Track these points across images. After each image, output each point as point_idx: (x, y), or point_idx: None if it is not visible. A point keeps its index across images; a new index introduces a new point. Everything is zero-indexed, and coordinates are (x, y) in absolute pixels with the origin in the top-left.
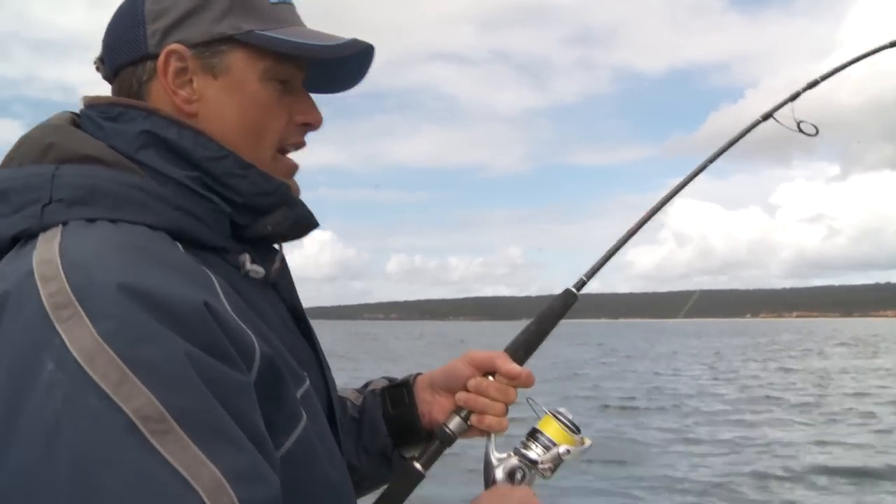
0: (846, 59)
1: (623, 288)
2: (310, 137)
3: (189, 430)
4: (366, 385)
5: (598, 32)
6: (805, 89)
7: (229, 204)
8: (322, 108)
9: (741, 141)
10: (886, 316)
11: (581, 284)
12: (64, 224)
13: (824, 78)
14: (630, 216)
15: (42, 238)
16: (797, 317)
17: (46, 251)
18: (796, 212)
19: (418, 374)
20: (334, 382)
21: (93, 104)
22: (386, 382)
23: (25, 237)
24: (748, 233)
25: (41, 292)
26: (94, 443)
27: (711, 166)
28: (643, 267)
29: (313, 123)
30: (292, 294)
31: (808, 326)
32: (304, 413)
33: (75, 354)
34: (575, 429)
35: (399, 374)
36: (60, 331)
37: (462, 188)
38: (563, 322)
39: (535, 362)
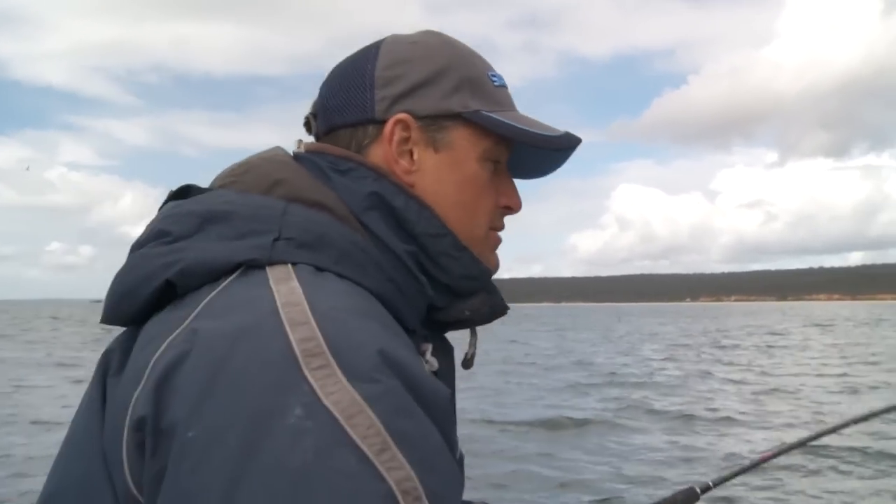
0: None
1: (567, 272)
2: (251, 118)
3: None
4: None
5: (545, 16)
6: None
7: (433, 283)
8: (265, 90)
9: (681, 126)
10: (819, 299)
11: (706, 488)
12: (293, 265)
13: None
14: (573, 201)
15: (273, 276)
16: (735, 300)
17: (288, 292)
18: (736, 197)
19: None
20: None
21: (321, 152)
22: None
23: (248, 266)
24: (689, 218)
25: (290, 336)
26: (347, 498)
27: (655, 152)
28: (586, 251)
29: (514, 207)
30: (452, 384)
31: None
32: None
33: (330, 407)
34: None
35: None
36: (311, 379)
37: None
38: (514, 305)
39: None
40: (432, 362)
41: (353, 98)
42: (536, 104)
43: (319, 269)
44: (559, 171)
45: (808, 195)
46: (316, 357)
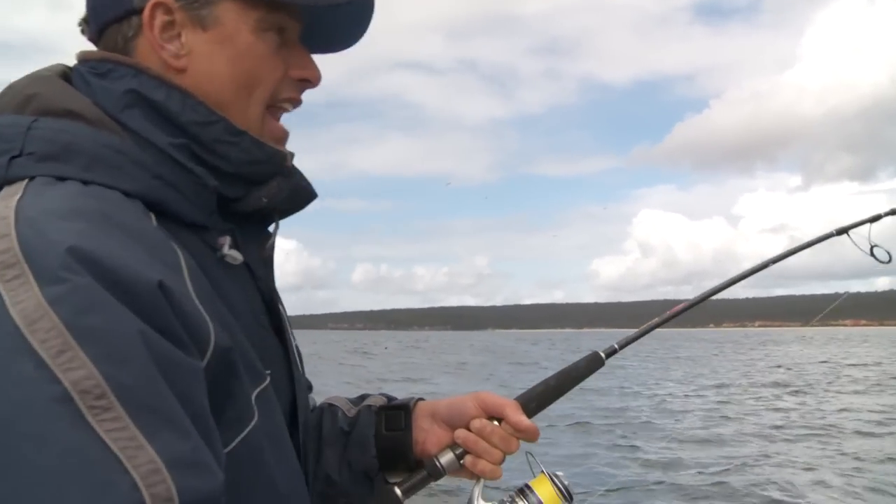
0: None
1: (589, 298)
2: None
3: (130, 410)
4: (361, 397)
5: (565, 43)
6: (887, 214)
7: (217, 174)
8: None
9: (703, 151)
10: (845, 325)
11: (612, 351)
12: (31, 179)
13: None
14: (595, 227)
15: (4, 192)
16: (759, 326)
17: (3, 207)
18: (759, 222)
19: (420, 398)
20: (304, 382)
21: (85, 59)
22: (384, 400)
23: None
24: (712, 243)
25: None
26: (22, 412)
27: (676, 177)
28: (608, 277)
29: (311, 79)
30: (270, 285)
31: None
32: (256, 412)
33: (14, 316)
34: (568, 496)
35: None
36: (2, 291)
37: (427, 197)
38: (529, 332)
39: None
40: (233, 254)
41: None
42: (558, 131)
43: (61, 178)
44: (579, 198)
45: (833, 219)
46: (11, 268)
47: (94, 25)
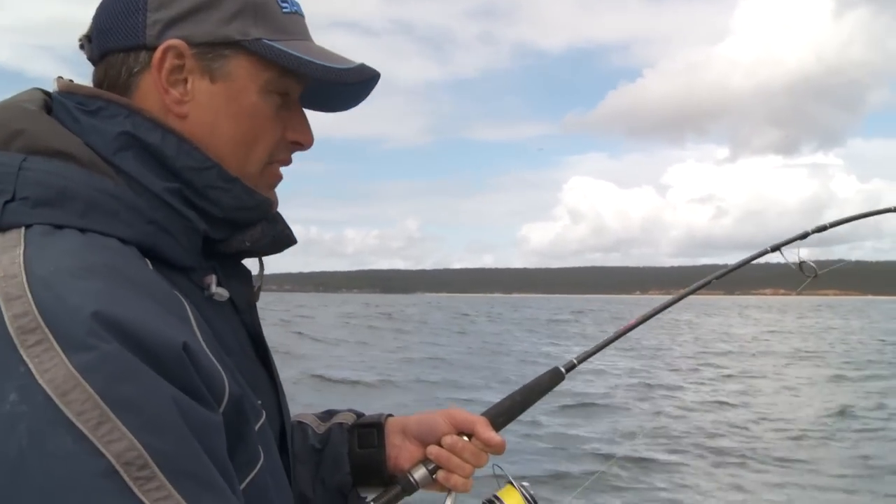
0: (854, 214)
1: (518, 263)
2: None
3: (172, 478)
4: (328, 413)
5: (502, 7)
6: (814, 231)
7: (206, 217)
8: None
9: (635, 120)
10: (765, 294)
11: (571, 366)
12: (27, 227)
13: (833, 225)
14: (526, 193)
15: (1, 242)
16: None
17: (9, 263)
18: (687, 192)
19: (389, 415)
20: (288, 409)
21: (70, 91)
22: (354, 417)
23: None
24: (640, 211)
25: (4, 313)
26: (68, 488)
27: (608, 145)
28: (538, 243)
29: (304, 143)
30: (254, 319)
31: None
32: (261, 452)
33: (45, 386)
34: None
35: None
36: (26, 358)
37: (360, 160)
38: (462, 296)
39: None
40: (220, 292)
41: (124, 20)
42: (492, 96)
43: (59, 226)
44: (512, 164)
45: (757, 191)
46: (32, 333)
47: (97, 47)
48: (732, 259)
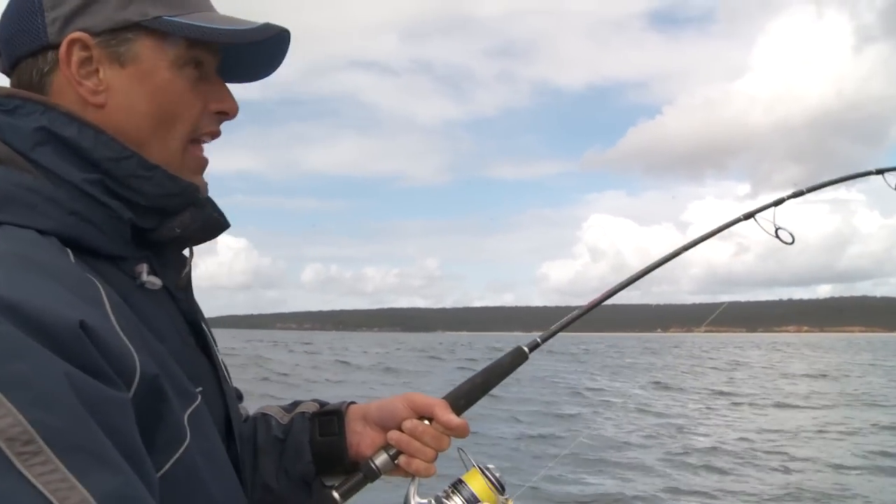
0: (834, 178)
1: (538, 301)
2: (225, 143)
3: (59, 452)
4: (294, 404)
5: (520, 46)
6: (789, 197)
7: (132, 207)
8: (239, 113)
9: (654, 157)
10: (787, 331)
11: (534, 346)
12: None
13: (810, 190)
14: (545, 231)
15: None
16: (706, 331)
17: None
18: (707, 229)
19: (351, 402)
20: (234, 394)
21: None
22: (317, 406)
23: None
24: (660, 249)
25: None
26: None
27: (627, 182)
28: (557, 281)
29: (229, 112)
30: (192, 306)
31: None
32: (188, 434)
33: None
34: (500, 488)
35: None
36: None
37: (380, 198)
38: (478, 335)
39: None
40: (152, 280)
41: (25, 25)
42: (511, 134)
43: None
44: (531, 202)
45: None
46: None
47: (6, 58)
48: (753, 296)
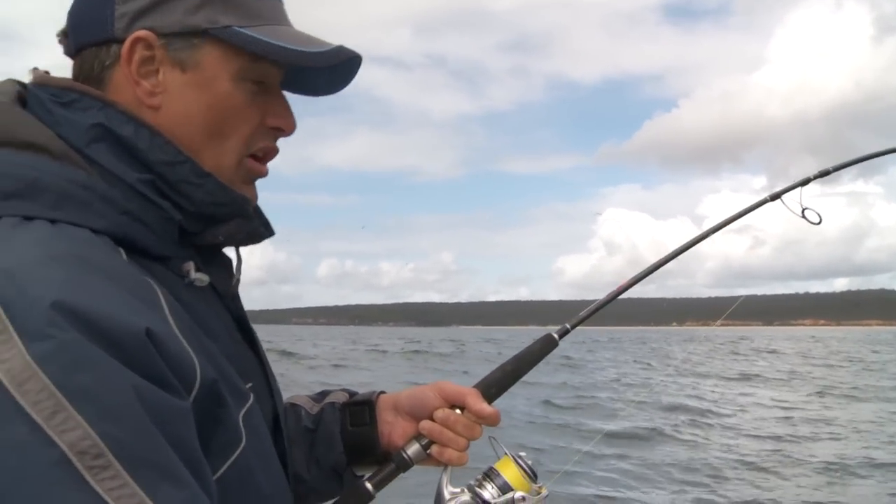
0: (863, 154)
1: (553, 295)
2: None
3: (128, 466)
4: (322, 394)
5: (534, 40)
6: (816, 177)
7: (180, 211)
8: None
9: (670, 150)
10: (804, 325)
11: (564, 332)
12: None
13: (836, 169)
14: (560, 225)
15: None
16: (721, 325)
17: None
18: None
19: (381, 392)
20: (279, 390)
21: (44, 83)
22: (346, 396)
23: None
24: (676, 242)
25: None
26: (20, 479)
27: (642, 176)
28: (573, 275)
29: (286, 129)
30: (237, 302)
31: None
32: (244, 436)
33: (1, 377)
34: (533, 476)
35: None
36: None
37: (394, 193)
38: (493, 329)
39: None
40: (200, 278)
41: (94, 14)
42: (525, 128)
43: (29, 218)
44: (546, 196)
45: (796, 221)
46: None
47: (73, 42)
48: (770, 290)
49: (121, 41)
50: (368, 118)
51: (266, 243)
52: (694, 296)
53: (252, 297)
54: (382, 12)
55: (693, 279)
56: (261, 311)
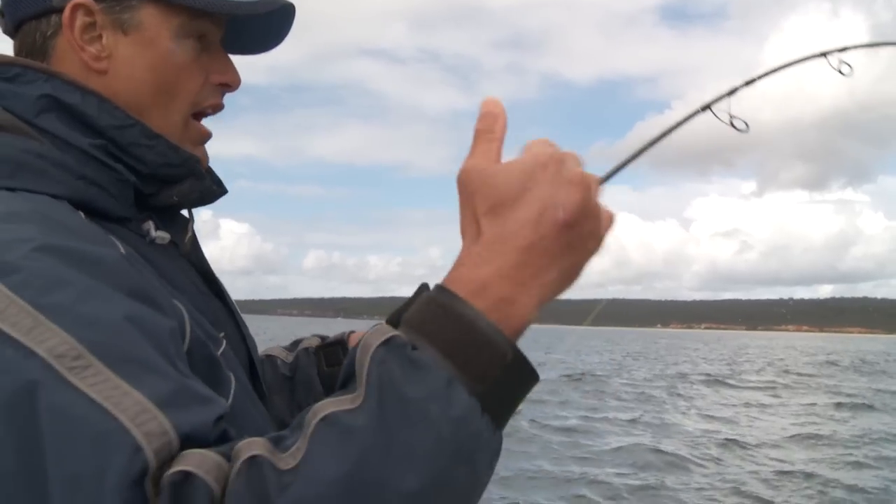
0: (788, 61)
1: None
2: (230, 128)
3: (110, 363)
4: (295, 343)
5: (530, 38)
6: (743, 85)
7: (134, 173)
8: (244, 99)
9: (663, 152)
10: (787, 330)
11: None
12: None
13: (761, 77)
14: None
15: None
16: (706, 328)
17: None
18: (711, 226)
19: (351, 331)
20: (252, 338)
21: None
22: (318, 341)
23: None
24: (664, 244)
25: None
26: (13, 392)
27: (632, 178)
28: None
29: (231, 84)
30: (200, 257)
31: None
32: (232, 376)
33: None
34: None
35: None
36: None
37: (384, 187)
38: None
39: None
40: (161, 235)
41: None
42: (518, 126)
43: None
44: None
45: (783, 226)
46: None
47: (10, 20)
48: (755, 295)
49: (60, 10)
50: (360, 111)
51: (253, 233)
52: (679, 298)
53: (237, 286)
54: (377, 5)
55: (679, 282)
56: (245, 301)
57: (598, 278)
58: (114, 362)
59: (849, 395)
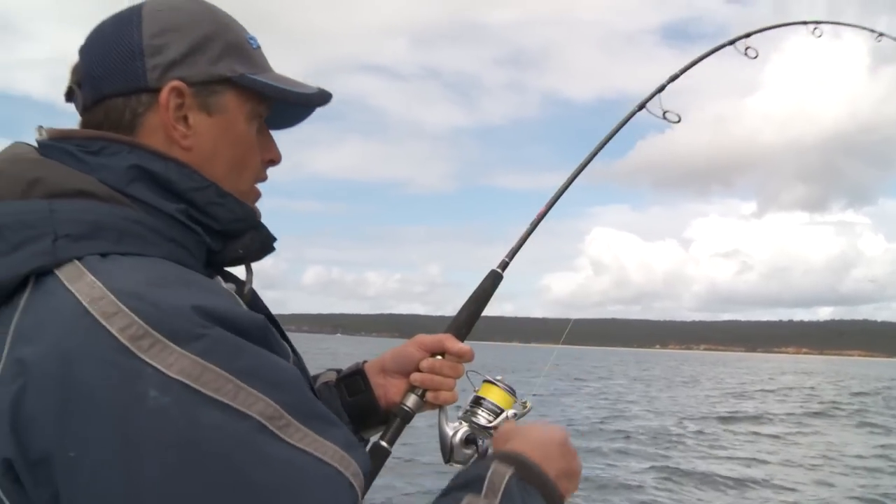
0: (702, 53)
1: (538, 313)
2: None
3: (302, 420)
4: (313, 378)
5: (530, 56)
6: (668, 82)
7: (208, 232)
8: None
9: (662, 172)
10: (787, 352)
11: (504, 265)
12: (79, 259)
13: (683, 71)
14: (548, 242)
15: (65, 277)
16: (704, 349)
17: (89, 289)
18: (711, 246)
19: (364, 361)
20: (311, 377)
21: (68, 136)
22: (335, 374)
23: (37, 276)
24: (663, 265)
25: (110, 330)
26: (235, 446)
27: (631, 197)
28: (559, 293)
29: (275, 160)
30: (262, 305)
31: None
32: None
33: (178, 377)
34: (513, 392)
35: None
36: (148, 360)
37: (384, 203)
38: (482, 344)
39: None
40: (229, 288)
41: (122, 66)
42: (518, 143)
43: (104, 255)
44: (534, 212)
45: (784, 248)
46: (143, 339)
47: (91, 93)
48: (755, 316)
49: (153, 90)
50: (361, 127)
51: None
52: (678, 318)
53: None
54: (379, 21)
55: (679, 302)
56: None
57: (598, 298)
58: (305, 419)
59: None
